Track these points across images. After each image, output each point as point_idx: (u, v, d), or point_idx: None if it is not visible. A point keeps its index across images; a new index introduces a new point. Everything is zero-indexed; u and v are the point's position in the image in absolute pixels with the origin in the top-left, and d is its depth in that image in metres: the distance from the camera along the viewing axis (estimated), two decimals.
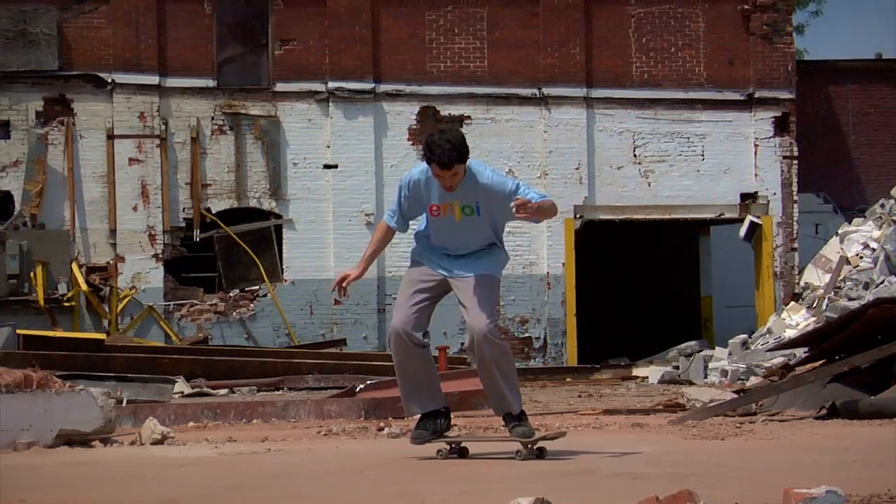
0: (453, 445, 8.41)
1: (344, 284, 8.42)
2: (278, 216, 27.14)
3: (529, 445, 8.12)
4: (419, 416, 8.50)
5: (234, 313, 26.74)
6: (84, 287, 25.53)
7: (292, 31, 27.28)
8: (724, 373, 20.10)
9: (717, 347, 23.43)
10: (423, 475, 7.36)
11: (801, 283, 23.93)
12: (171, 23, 26.84)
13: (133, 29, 26.59)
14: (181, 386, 18.31)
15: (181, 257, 26.79)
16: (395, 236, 8.80)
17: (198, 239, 26.73)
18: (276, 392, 19.59)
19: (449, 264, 8.43)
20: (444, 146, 8.11)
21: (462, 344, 26.74)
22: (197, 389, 18.84)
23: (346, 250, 26.85)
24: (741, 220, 28.48)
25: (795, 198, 28.61)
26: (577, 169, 27.85)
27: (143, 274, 26.42)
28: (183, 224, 26.76)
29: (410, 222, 8.59)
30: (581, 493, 6.20)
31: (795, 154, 28.62)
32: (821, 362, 12.10)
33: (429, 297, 8.41)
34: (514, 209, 8.05)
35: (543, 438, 8.28)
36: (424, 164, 8.33)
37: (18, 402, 9.35)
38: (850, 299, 19.65)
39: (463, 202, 8.28)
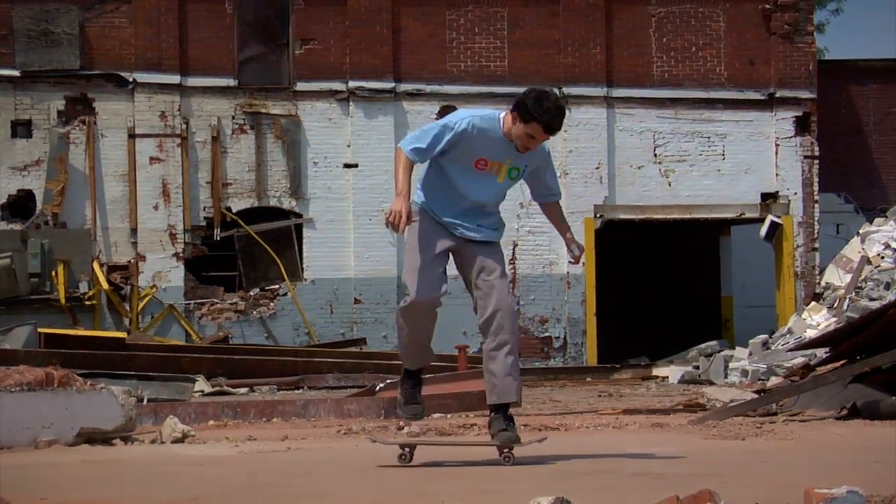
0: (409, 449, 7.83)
1: (408, 222, 7.53)
2: (298, 215, 27.18)
3: (507, 451, 7.67)
4: (407, 378, 8.01)
5: (255, 312, 26.78)
6: (105, 286, 25.60)
7: (313, 30, 27.31)
8: (745, 373, 20.06)
9: (737, 347, 23.37)
10: (443, 474, 7.36)
11: (822, 283, 23.85)
12: (192, 22, 26.90)
13: (154, 28, 26.65)
14: (201, 384, 18.36)
15: (202, 256, 26.85)
16: None
17: (218, 238, 26.79)
18: (296, 391, 19.63)
19: (462, 222, 7.81)
20: (552, 109, 7.59)
21: (482, 343, 26.76)
22: (217, 388, 18.89)
23: (367, 249, 26.91)
24: (762, 220, 28.42)
25: (816, 197, 28.55)
26: (597, 168, 27.83)
27: (164, 273, 26.48)
28: (203, 223, 26.82)
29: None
30: (601, 492, 6.19)
31: (816, 154, 28.55)
32: (842, 362, 12.06)
33: (445, 260, 7.81)
34: (574, 256, 8.19)
35: (529, 442, 7.96)
36: (492, 115, 7.77)
37: (40, 401, 9.38)
38: (872, 299, 19.59)
39: (513, 163, 7.80)
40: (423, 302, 7.72)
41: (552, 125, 7.65)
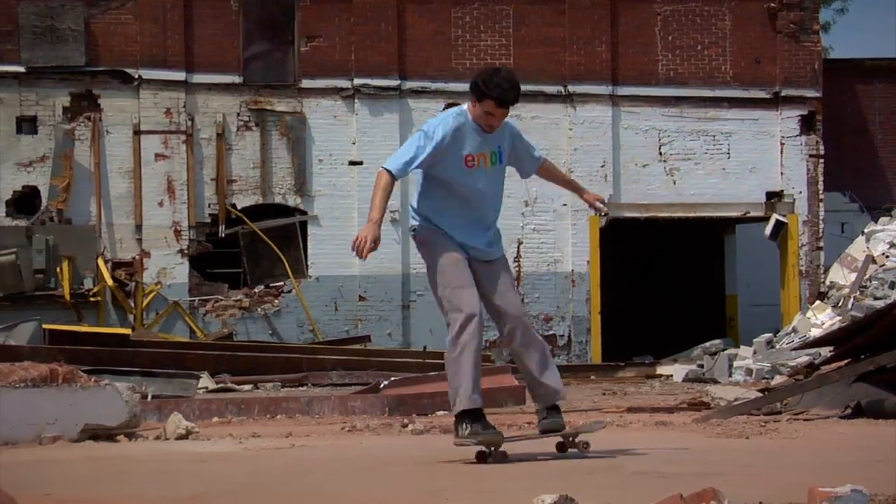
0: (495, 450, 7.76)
1: (371, 249, 7.53)
2: (303, 212, 27.18)
3: (571, 438, 7.84)
4: (469, 410, 7.71)
5: (259, 309, 26.78)
6: (110, 282, 25.61)
7: (318, 27, 27.31)
8: (749, 371, 20.06)
9: (741, 346, 23.37)
10: (447, 472, 7.36)
11: (827, 282, 23.84)
12: (197, 19, 26.90)
13: (160, 25, 26.66)
14: (206, 381, 18.36)
15: (206, 253, 26.85)
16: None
17: (223, 235, 26.79)
18: (300, 388, 19.63)
19: (470, 239, 7.91)
20: (501, 83, 7.74)
21: (487, 341, 26.75)
22: (221, 385, 18.89)
23: None
24: (767, 219, 28.41)
25: (821, 196, 28.53)
26: (602, 167, 27.82)
27: (169, 269, 26.49)
28: (208, 220, 26.82)
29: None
30: (605, 490, 6.19)
31: (821, 152, 28.53)
32: (846, 361, 12.06)
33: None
34: (599, 209, 8.35)
35: (585, 431, 8.02)
36: (457, 109, 7.93)
37: (44, 397, 9.39)
38: (876, 298, 19.59)
39: (491, 148, 7.93)
40: (472, 316, 7.74)
41: (504, 98, 7.76)
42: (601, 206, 8.42)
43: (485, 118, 7.84)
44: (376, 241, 7.52)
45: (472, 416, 7.71)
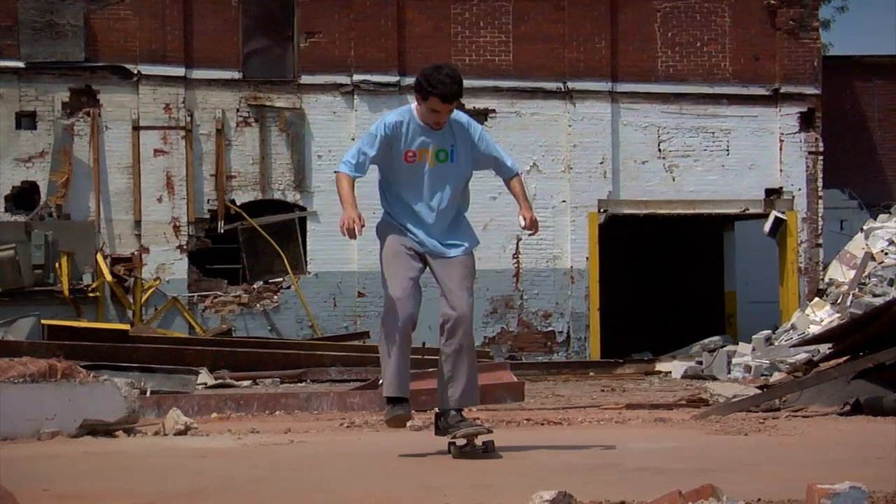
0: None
1: (361, 226, 8.09)
2: (302, 208, 27.17)
3: (478, 442, 7.86)
4: (391, 399, 8.11)
5: (258, 305, 26.78)
6: (108, 278, 25.61)
7: (318, 23, 27.30)
8: (748, 368, 20.05)
9: (740, 343, 23.37)
10: (445, 468, 7.37)
11: (826, 279, 23.84)
12: (197, 15, 26.89)
13: (159, 21, 26.65)
14: (204, 377, 18.36)
15: (205, 249, 26.85)
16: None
17: (222, 230, 26.78)
18: (298, 384, 19.63)
19: (424, 236, 8.12)
20: (444, 79, 7.88)
21: (486, 338, 26.75)
22: (220, 381, 18.89)
23: (370, 242, 26.70)
24: (766, 216, 28.41)
25: (820, 193, 28.52)
26: (601, 163, 27.81)
27: (168, 265, 26.49)
28: (207, 215, 26.82)
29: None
30: (604, 486, 6.19)
31: (821, 149, 28.53)
32: (845, 358, 12.06)
33: (419, 271, 8.16)
34: (529, 233, 8.31)
35: (488, 431, 7.96)
36: (404, 108, 8.13)
37: (43, 392, 9.39)
38: (875, 295, 19.59)
39: (439, 146, 8.06)
40: (399, 305, 8.11)
41: (447, 93, 7.89)
42: (525, 224, 8.36)
43: (432, 116, 7.98)
44: (361, 218, 8.05)
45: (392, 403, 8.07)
